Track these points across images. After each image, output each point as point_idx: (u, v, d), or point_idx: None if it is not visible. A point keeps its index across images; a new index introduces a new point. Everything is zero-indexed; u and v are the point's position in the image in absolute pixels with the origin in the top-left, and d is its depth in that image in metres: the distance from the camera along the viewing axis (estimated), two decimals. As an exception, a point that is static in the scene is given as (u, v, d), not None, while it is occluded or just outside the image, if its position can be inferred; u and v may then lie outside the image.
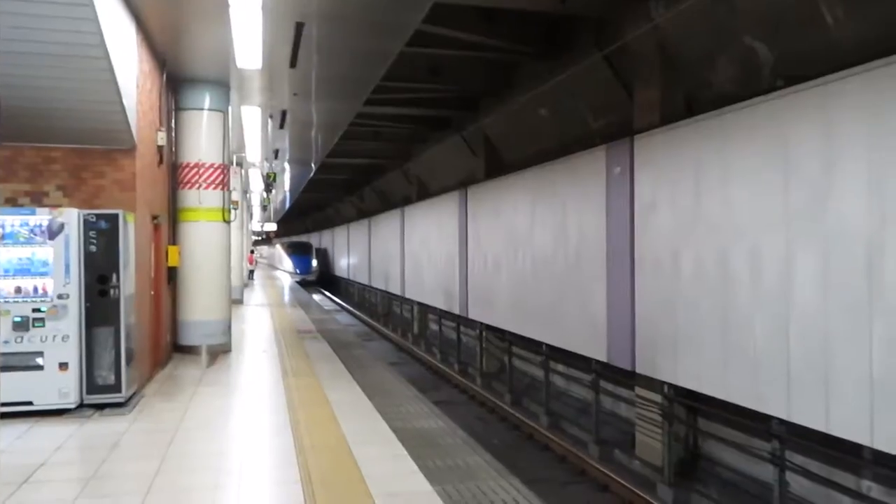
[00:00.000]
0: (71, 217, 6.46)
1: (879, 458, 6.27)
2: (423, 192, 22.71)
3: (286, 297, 21.23)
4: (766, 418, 7.02)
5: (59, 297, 6.40)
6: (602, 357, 10.05)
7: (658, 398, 8.94)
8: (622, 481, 8.52)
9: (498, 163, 16.12)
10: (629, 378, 9.76)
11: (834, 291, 6.23)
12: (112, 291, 6.55)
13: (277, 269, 51.26)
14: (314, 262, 46.34)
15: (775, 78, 7.68)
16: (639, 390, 9.59)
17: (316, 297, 32.58)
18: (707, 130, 7.92)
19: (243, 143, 14.61)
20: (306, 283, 41.38)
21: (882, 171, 5.80)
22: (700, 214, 8.05)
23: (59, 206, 6.87)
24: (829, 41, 7.06)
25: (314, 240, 57.50)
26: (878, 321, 5.81)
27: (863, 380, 5.91)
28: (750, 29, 7.89)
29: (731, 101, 7.71)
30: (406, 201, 24.06)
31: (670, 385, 8.60)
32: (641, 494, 8.11)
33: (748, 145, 7.29)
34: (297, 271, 44.95)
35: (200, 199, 9.72)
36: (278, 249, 52.28)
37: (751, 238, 7.26)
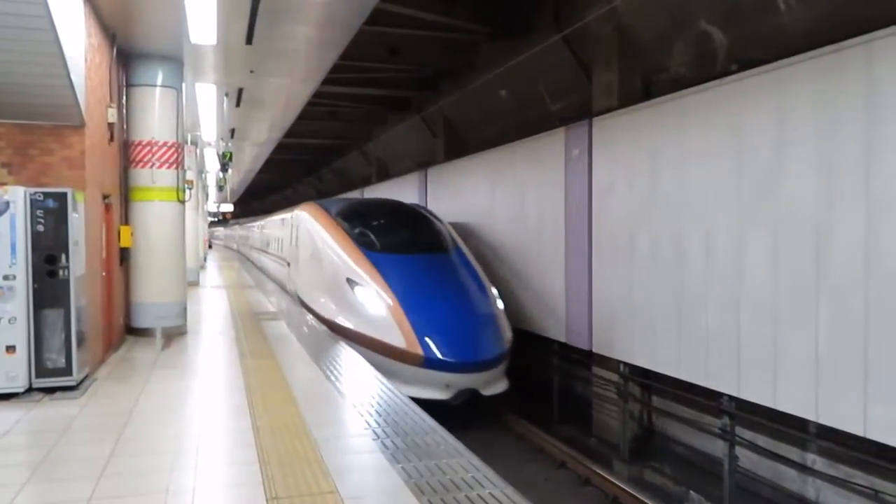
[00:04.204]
0: (17, 195, 6.24)
1: (823, 432, 6.51)
2: (383, 172, 22.59)
3: (243, 279, 20.94)
4: (717, 395, 7.23)
5: (5, 278, 6.19)
6: (561, 338, 10.19)
7: (614, 377, 9.12)
8: (579, 458, 8.68)
9: (458, 144, 16.10)
10: (586, 357, 9.92)
11: (783, 272, 6.42)
12: (61, 272, 6.36)
13: (318, 315, 11.12)
14: (499, 308, 10.35)
15: (730, 62, 7.81)
16: (596, 369, 9.76)
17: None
18: (664, 113, 8.03)
19: (198, 122, 14.28)
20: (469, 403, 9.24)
21: (830, 157, 5.97)
22: (656, 196, 8.18)
23: (4, 183, 6.62)
24: (782, 27, 7.20)
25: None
26: (824, 301, 6.00)
27: (809, 357, 6.11)
28: (705, 13, 8.00)
29: (688, 84, 7.83)
30: (365, 182, 23.90)
31: (626, 364, 8.78)
32: (598, 471, 8.28)
33: (703, 129, 7.42)
34: (444, 357, 8.86)
35: (153, 178, 9.48)
36: (315, 244, 12.04)
37: (704, 220, 7.42)
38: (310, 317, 11.34)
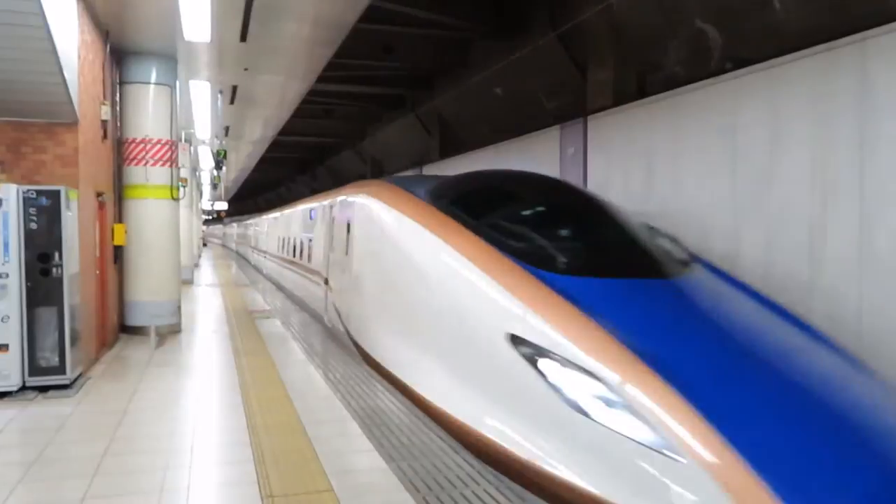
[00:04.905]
0: (9, 193, 6.21)
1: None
2: (378, 171, 22.56)
3: (238, 278, 20.90)
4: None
5: (-2, 276, 6.17)
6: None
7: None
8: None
9: (453, 142, 16.10)
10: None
11: (777, 269, 6.43)
12: (55, 270, 6.34)
13: (413, 396, 5.61)
14: None
15: (724, 61, 7.83)
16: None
17: None
18: (658, 112, 8.05)
19: (192, 119, 14.24)
20: None
21: (823, 156, 5.99)
22: (651, 195, 8.19)
23: (-3, 181, 6.60)
24: (777, 25, 7.22)
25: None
26: (818, 301, 6.02)
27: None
28: (700, 11, 8.01)
29: (682, 82, 7.85)
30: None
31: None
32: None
33: (698, 127, 7.44)
34: None
35: (147, 176, 9.45)
36: (401, 252, 6.31)
37: (699, 218, 7.43)
38: (378, 378, 6.68)
